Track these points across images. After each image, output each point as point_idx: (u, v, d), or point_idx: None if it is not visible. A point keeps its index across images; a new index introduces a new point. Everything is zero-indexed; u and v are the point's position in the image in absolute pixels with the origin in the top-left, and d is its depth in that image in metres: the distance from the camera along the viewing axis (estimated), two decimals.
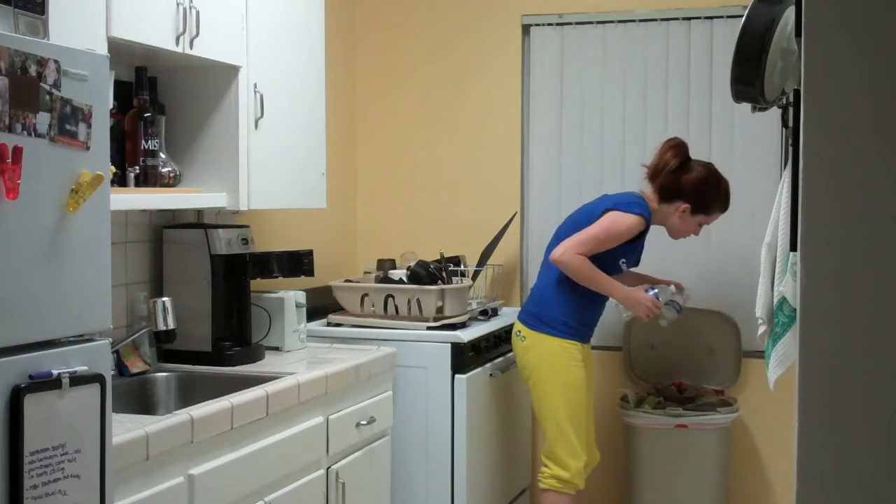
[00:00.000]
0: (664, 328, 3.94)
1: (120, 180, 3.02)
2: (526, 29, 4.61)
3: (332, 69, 4.14)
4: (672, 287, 3.89)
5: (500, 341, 4.10)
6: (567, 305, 3.79)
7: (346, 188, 4.72)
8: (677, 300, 3.86)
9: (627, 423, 4.26)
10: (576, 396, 3.78)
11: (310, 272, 3.70)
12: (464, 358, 3.80)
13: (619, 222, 3.69)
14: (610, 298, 3.83)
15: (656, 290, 3.80)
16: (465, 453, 3.77)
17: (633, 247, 3.79)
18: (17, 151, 1.94)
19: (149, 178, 3.12)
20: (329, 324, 4.05)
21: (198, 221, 3.58)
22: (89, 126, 2.12)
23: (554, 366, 3.78)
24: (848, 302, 1.64)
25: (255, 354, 3.47)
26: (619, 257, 3.77)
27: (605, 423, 4.31)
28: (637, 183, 4.34)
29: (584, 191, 4.38)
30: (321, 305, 4.08)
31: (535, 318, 3.82)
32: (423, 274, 3.98)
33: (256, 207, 3.45)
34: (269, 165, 3.50)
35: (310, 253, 3.71)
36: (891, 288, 1.62)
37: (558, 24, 4.54)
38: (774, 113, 2.75)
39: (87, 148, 2.12)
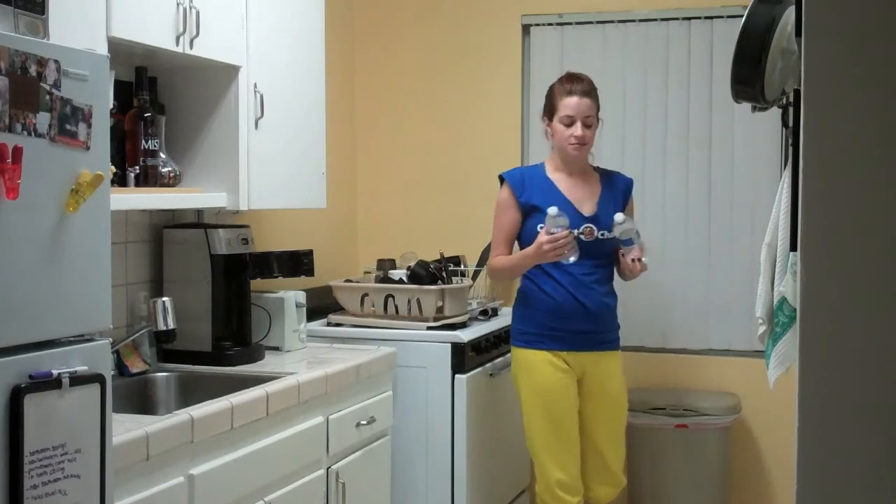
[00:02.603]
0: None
1: (120, 180, 3.02)
2: (526, 29, 4.61)
3: (332, 69, 4.14)
4: (550, 211, 3.49)
5: (500, 341, 4.10)
6: (517, 313, 3.74)
7: (346, 188, 4.72)
8: (558, 221, 3.47)
9: (628, 423, 4.26)
10: (542, 409, 3.61)
11: (310, 272, 3.70)
12: (464, 358, 3.79)
13: (497, 203, 3.71)
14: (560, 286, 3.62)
15: (543, 224, 3.53)
16: (465, 453, 3.77)
17: (529, 209, 3.62)
18: (17, 151, 1.94)
19: (149, 178, 3.12)
20: (329, 324, 4.05)
21: (198, 221, 3.58)
22: (89, 126, 2.12)
23: (520, 376, 3.68)
24: (848, 302, 1.64)
25: (255, 354, 3.47)
26: (532, 228, 3.59)
27: None
28: (638, 184, 4.33)
29: None
30: (321, 305, 4.08)
31: (510, 333, 3.81)
32: (423, 274, 3.98)
33: (256, 207, 3.45)
34: (269, 165, 3.50)
35: (310, 253, 3.71)
36: (891, 288, 1.62)
37: (558, 24, 4.55)
38: (774, 113, 2.75)
39: (87, 148, 2.12)
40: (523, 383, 3.66)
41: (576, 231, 3.50)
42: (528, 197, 3.63)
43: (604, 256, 3.63)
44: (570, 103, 3.59)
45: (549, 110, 3.66)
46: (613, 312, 3.71)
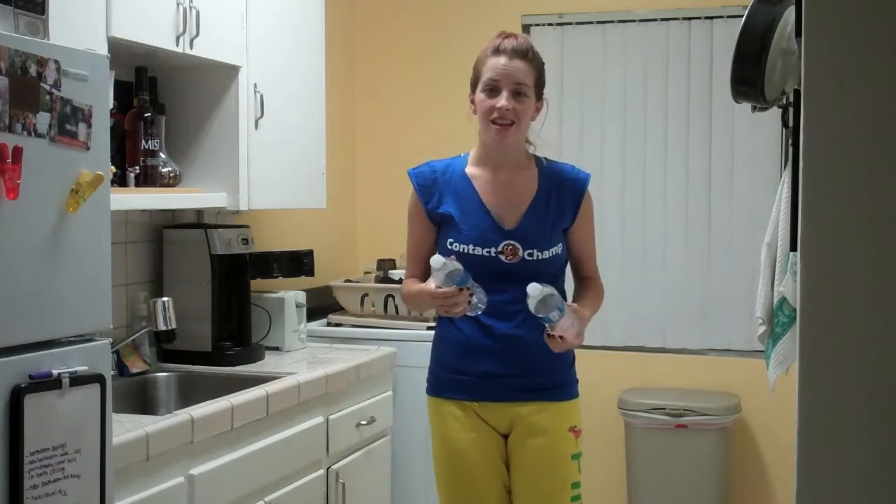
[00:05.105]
0: None
1: (120, 180, 3.02)
2: (526, 29, 4.60)
3: (332, 69, 4.14)
4: (433, 263, 2.56)
5: None
6: (432, 349, 2.90)
7: (346, 188, 4.72)
8: (444, 272, 2.54)
9: (627, 423, 4.26)
10: (447, 474, 2.78)
11: (310, 272, 3.71)
12: None
13: (408, 207, 2.86)
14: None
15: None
16: None
17: (439, 219, 2.77)
18: (17, 151, 1.94)
19: (149, 178, 3.12)
20: (329, 324, 4.05)
21: (198, 221, 3.59)
22: (89, 126, 2.12)
23: (431, 429, 2.87)
24: (848, 302, 1.64)
25: (255, 354, 3.47)
26: (444, 241, 2.74)
27: (604, 423, 4.30)
28: (635, 181, 4.33)
29: None
30: (321, 305, 4.08)
31: None
32: None
33: (256, 207, 3.46)
34: (269, 165, 3.50)
35: (310, 253, 3.71)
36: (891, 288, 1.62)
37: (558, 24, 4.54)
38: (774, 113, 2.75)
39: (87, 148, 2.12)
40: (432, 437, 2.85)
41: (470, 285, 2.56)
42: (438, 203, 2.77)
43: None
44: (494, 64, 2.71)
45: (474, 80, 2.79)
46: (542, 351, 2.62)
